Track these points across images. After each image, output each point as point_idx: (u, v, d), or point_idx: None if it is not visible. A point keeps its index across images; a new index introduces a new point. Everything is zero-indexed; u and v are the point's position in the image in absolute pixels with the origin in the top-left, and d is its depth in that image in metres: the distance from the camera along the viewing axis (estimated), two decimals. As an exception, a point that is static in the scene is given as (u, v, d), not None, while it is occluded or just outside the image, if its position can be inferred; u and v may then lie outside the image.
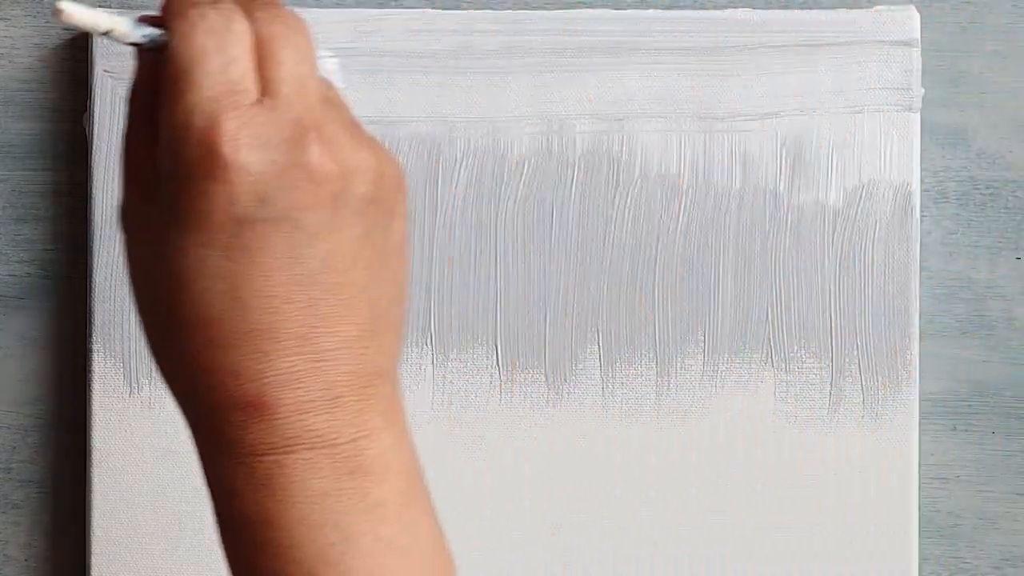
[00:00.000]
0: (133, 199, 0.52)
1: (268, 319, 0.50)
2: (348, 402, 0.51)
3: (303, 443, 0.51)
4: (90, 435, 0.73)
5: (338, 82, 0.53)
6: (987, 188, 0.75)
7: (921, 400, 0.74)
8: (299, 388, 0.50)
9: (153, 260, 0.51)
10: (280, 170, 0.50)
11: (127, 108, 0.53)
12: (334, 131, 0.51)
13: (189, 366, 0.51)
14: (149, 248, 0.51)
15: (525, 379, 0.74)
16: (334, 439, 0.51)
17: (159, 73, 0.51)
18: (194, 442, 0.53)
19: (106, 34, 0.52)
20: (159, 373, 0.53)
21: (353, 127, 0.52)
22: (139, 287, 0.52)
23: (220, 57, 0.50)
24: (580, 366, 0.74)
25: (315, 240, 0.50)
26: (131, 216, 0.52)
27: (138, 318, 0.53)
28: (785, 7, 0.75)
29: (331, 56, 0.54)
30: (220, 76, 0.50)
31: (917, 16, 0.74)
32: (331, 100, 0.52)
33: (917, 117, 0.73)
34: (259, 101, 0.50)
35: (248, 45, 0.51)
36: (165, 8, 0.52)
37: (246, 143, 0.49)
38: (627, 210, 0.74)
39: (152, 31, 0.52)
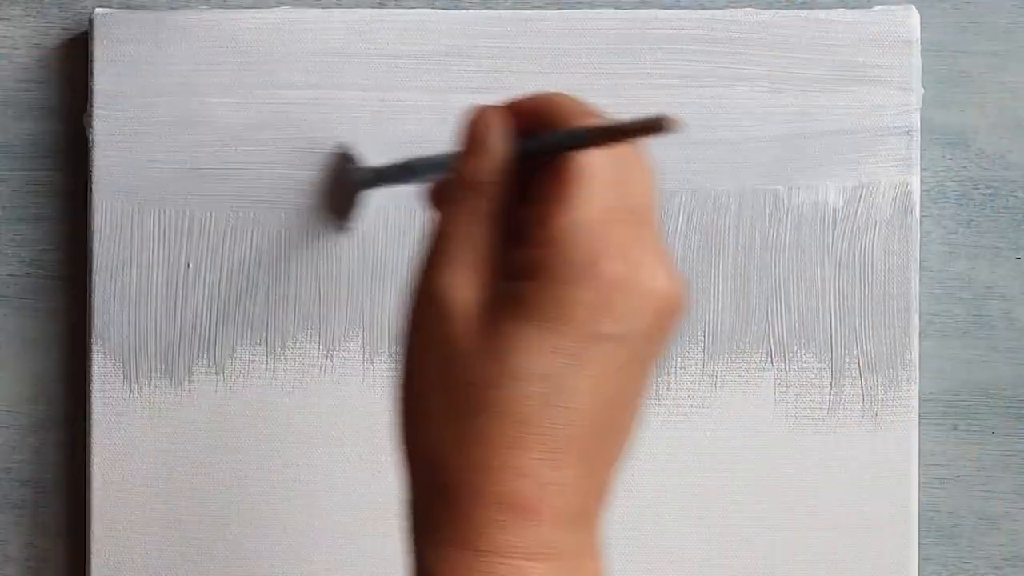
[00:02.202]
0: (466, 276, 0.52)
1: (573, 432, 0.51)
2: (592, 521, 0.52)
3: (548, 554, 0.51)
4: (90, 435, 0.73)
5: None
6: (987, 188, 0.75)
7: (921, 400, 0.74)
8: (565, 499, 0.51)
9: (471, 342, 0.51)
10: (644, 293, 0.51)
11: (472, 190, 0.54)
12: (669, 254, 0.53)
13: (460, 454, 0.51)
14: (485, 328, 0.51)
15: (525, 379, 0.74)
16: (569, 553, 0.51)
17: (533, 172, 0.52)
18: (411, 524, 0.53)
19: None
20: (401, 441, 0.53)
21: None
22: (426, 360, 0.52)
23: (617, 174, 0.51)
24: (580, 366, 0.74)
25: (643, 365, 0.52)
26: (461, 293, 0.52)
27: (401, 387, 0.53)
28: (785, 7, 0.75)
29: None
30: (615, 194, 0.51)
31: (917, 16, 0.74)
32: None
33: (917, 117, 0.73)
34: (636, 221, 0.51)
35: (634, 164, 0.52)
36: (566, 116, 0.53)
37: (631, 264, 0.50)
38: (627, 210, 0.74)
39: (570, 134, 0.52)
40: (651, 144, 0.52)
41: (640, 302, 0.51)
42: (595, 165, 0.52)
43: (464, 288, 0.52)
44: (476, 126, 0.54)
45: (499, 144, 0.53)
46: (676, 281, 0.52)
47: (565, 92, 0.55)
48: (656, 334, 0.52)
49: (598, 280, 0.50)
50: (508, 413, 0.50)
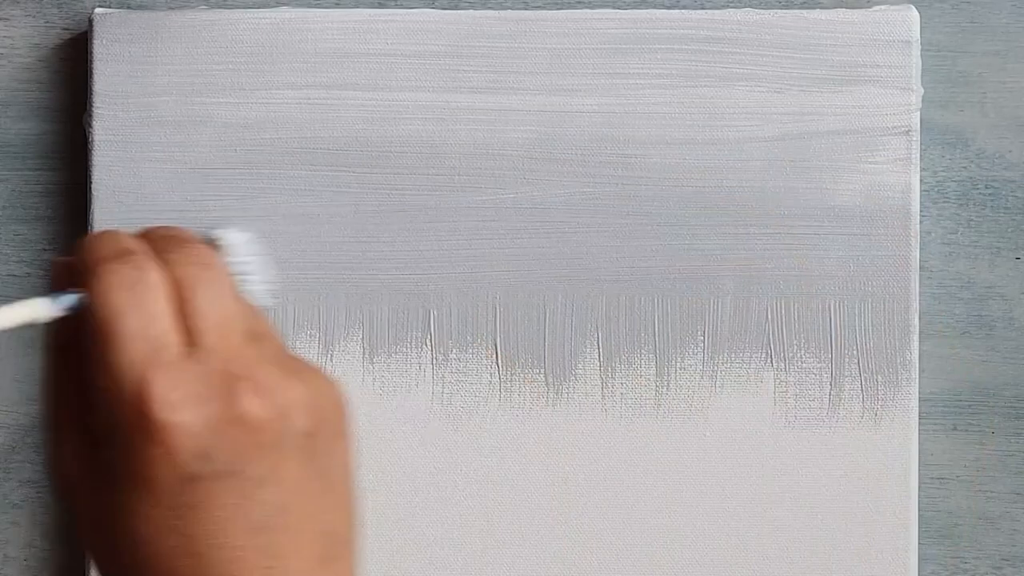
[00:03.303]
0: (69, 451, 0.51)
1: (228, 568, 0.49)
2: None
3: None
4: (90, 435, 0.73)
5: (260, 281, 0.52)
6: (987, 188, 0.75)
7: (921, 400, 0.74)
8: None
9: (103, 515, 0.50)
10: (216, 424, 0.48)
11: (48, 359, 0.51)
12: (264, 371, 0.49)
13: None
14: (96, 502, 0.50)
15: (525, 379, 0.74)
16: None
17: (80, 330, 0.49)
18: None
19: (30, 324, 0.50)
20: None
21: (282, 358, 0.50)
22: (93, 537, 0.51)
23: (138, 314, 0.48)
24: (580, 366, 0.74)
25: (262, 487, 0.49)
26: (71, 469, 0.51)
27: (94, 562, 0.51)
28: (785, 7, 0.75)
29: (245, 238, 0.52)
30: (141, 335, 0.48)
31: (917, 16, 0.74)
32: (257, 334, 0.50)
33: (917, 117, 0.73)
34: (185, 354, 0.49)
35: (165, 294, 0.49)
36: (75, 267, 0.50)
37: (177, 403, 0.48)
38: (627, 209, 0.74)
39: (71, 298, 0.49)
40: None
41: (224, 432, 0.48)
42: (107, 313, 0.49)
43: (65, 453, 0.51)
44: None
45: (41, 312, 0.50)
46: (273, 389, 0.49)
47: (109, 231, 0.52)
48: (255, 453, 0.49)
49: (149, 432, 0.48)
50: (159, 569, 0.49)
